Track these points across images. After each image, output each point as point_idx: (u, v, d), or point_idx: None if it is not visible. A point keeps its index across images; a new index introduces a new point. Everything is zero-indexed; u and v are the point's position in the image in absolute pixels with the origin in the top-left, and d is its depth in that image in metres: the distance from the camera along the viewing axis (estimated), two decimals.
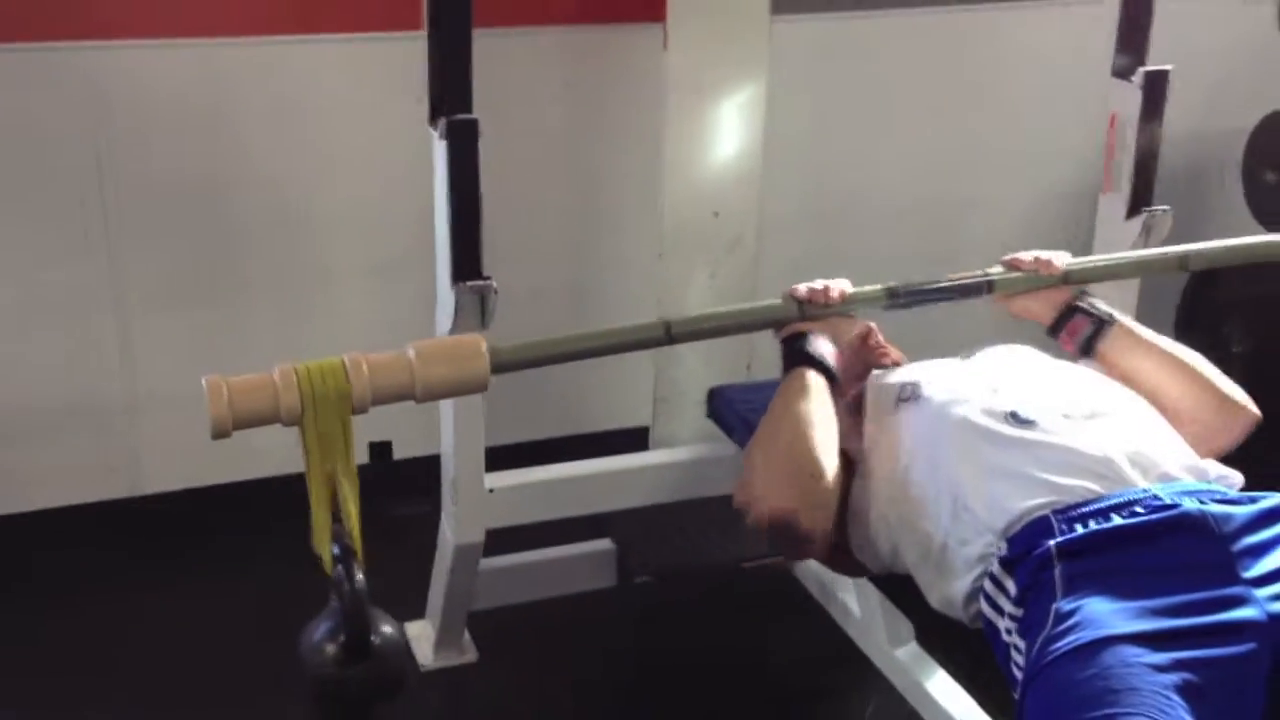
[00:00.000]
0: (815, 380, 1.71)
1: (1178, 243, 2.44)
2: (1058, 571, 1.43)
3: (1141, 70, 2.27)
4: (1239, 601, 1.37)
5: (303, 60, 2.60)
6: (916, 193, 3.12)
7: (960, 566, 1.57)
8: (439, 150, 1.94)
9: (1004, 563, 1.51)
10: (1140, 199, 2.31)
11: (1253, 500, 1.51)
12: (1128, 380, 1.78)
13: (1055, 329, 1.84)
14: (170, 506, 2.75)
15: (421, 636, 2.43)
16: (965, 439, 1.62)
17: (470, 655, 2.41)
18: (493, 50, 2.08)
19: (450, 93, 1.93)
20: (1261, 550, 1.44)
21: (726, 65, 2.50)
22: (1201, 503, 1.48)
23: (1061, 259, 1.84)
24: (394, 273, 2.72)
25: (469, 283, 1.96)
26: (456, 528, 2.15)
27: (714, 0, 2.45)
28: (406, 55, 2.10)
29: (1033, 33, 3.06)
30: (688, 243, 2.57)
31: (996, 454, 1.58)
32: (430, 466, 2.30)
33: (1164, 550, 1.43)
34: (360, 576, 1.46)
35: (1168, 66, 2.28)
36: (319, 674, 1.55)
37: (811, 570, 2.42)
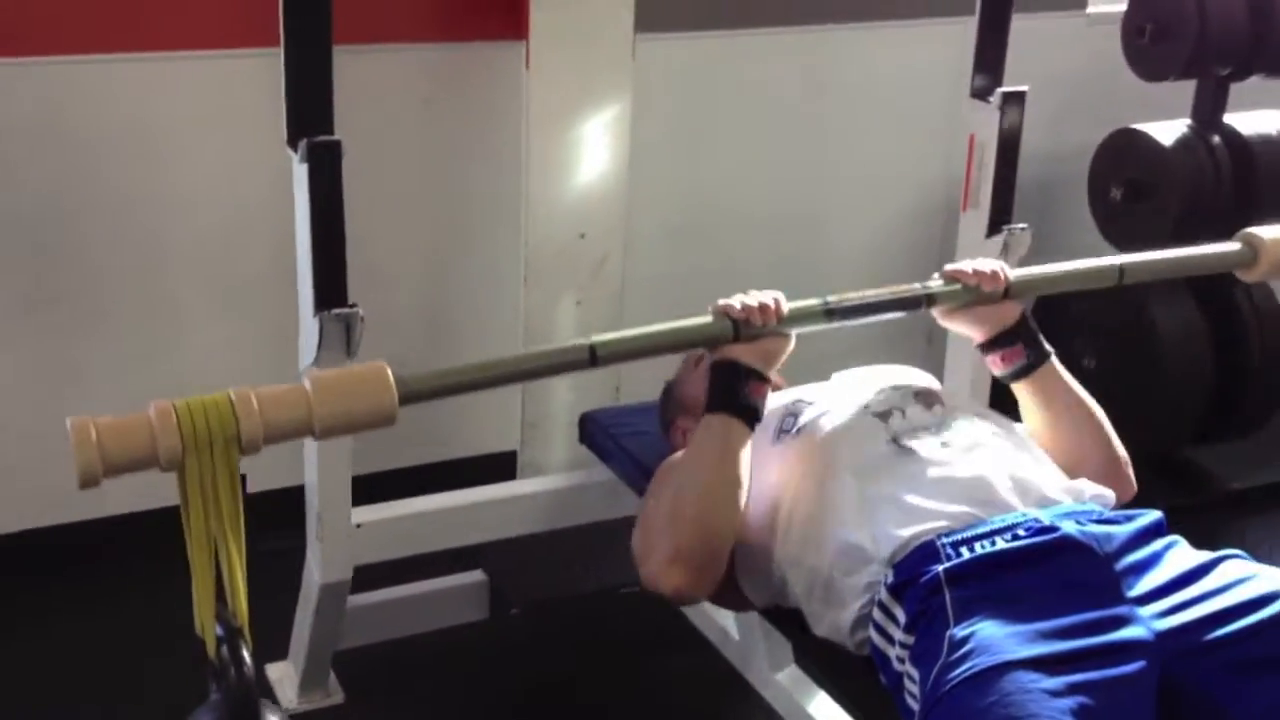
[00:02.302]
0: (739, 435, 1.65)
1: (1035, 262, 2.53)
2: (948, 597, 1.43)
3: (999, 91, 2.31)
4: (1125, 621, 1.40)
5: (153, 79, 2.49)
6: (780, 209, 3.14)
7: (847, 596, 1.57)
8: (299, 173, 1.87)
9: (891, 590, 1.50)
10: (1000, 217, 2.36)
11: (1129, 519, 1.55)
12: (1036, 418, 1.79)
13: (990, 347, 1.79)
14: (9, 547, 2.60)
15: (284, 678, 2.32)
16: (847, 470, 1.62)
17: (337, 696, 2.31)
18: (351, 68, 2.01)
19: (310, 113, 1.86)
20: (1143, 568, 1.47)
21: (590, 85, 2.47)
22: (1080, 524, 1.50)
23: (1004, 271, 1.77)
24: (251, 301, 2.63)
25: (333, 311, 1.89)
26: (322, 565, 2.06)
27: (577, 19, 2.42)
28: (264, 72, 2.01)
29: (893, 51, 3.11)
30: (553, 266, 2.52)
31: (879, 483, 1.59)
32: (289, 498, 2.21)
33: (1050, 573, 1.45)
34: (249, 664, 1.26)
35: (1023, 88, 2.33)
36: None
37: None
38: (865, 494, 1.58)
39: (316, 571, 2.08)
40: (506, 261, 2.64)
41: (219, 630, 1.28)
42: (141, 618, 2.40)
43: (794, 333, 1.69)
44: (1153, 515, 1.56)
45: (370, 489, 2.23)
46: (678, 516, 1.63)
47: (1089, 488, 1.63)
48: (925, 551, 1.50)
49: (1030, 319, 1.80)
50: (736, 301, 1.66)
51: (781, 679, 2.22)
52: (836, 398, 1.77)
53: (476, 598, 2.37)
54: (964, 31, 2.44)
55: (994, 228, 2.35)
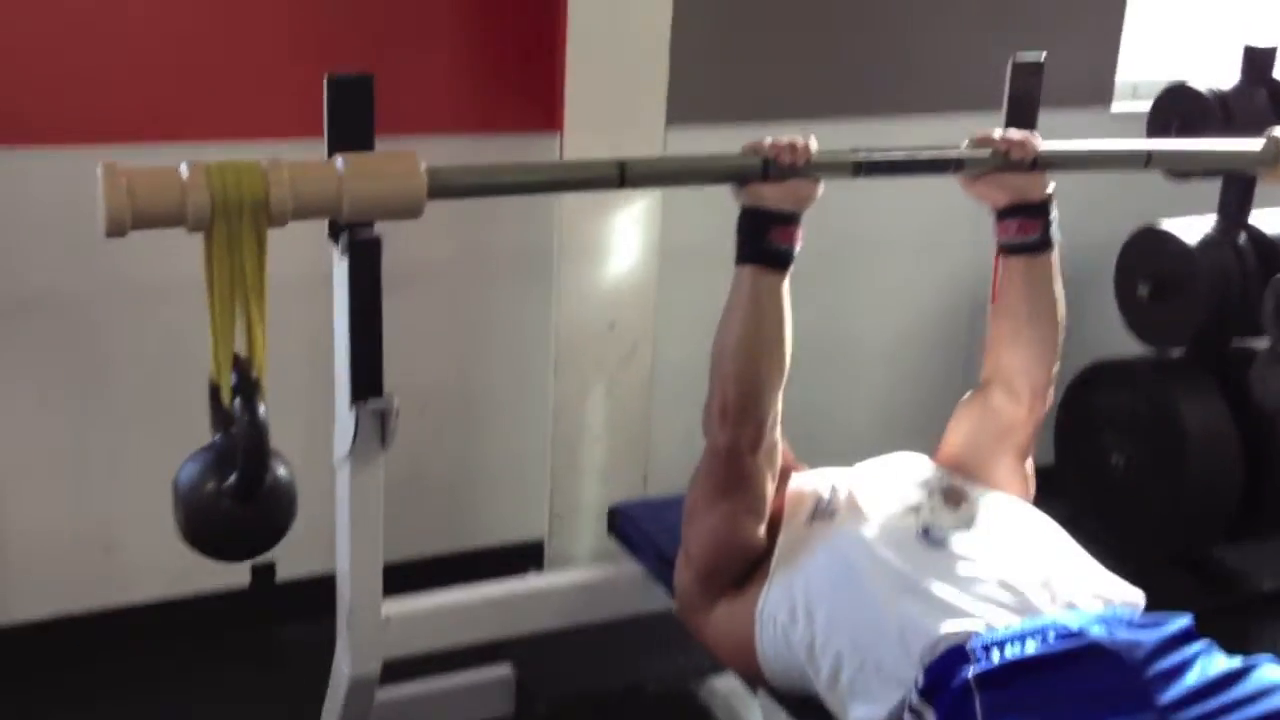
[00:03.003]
0: (770, 284, 1.70)
1: (1062, 359, 2.54)
2: (978, 703, 1.43)
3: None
4: None
5: None
6: (810, 300, 3.13)
7: (875, 692, 1.56)
8: (339, 267, 1.89)
9: (922, 693, 1.50)
10: None
11: (1158, 624, 1.54)
12: (1009, 296, 1.85)
13: (1007, 214, 1.83)
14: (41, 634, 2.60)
15: None
16: (880, 559, 1.62)
17: None
18: None
19: None
20: (1173, 675, 1.47)
21: None
22: (1110, 629, 1.50)
23: (1034, 140, 1.81)
24: (283, 388, 2.63)
25: (369, 402, 1.91)
26: (352, 658, 2.05)
27: (609, 112, 2.46)
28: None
29: (922, 144, 3.13)
30: (583, 356, 2.55)
31: (910, 575, 1.59)
32: (316, 588, 2.21)
33: (1079, 679, 1.45)
34: (263, 409, 1.29)
35: (1051, 185, 2.34)
36: (198, 511, 1.34)
37: (718, 694, 2.37)
38: (896, 588, 1.59)
39: (346, 664, 2.07)
40: (537, 350, 2.67)
41: (234, 379, 1.29)
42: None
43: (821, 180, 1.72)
44: (1182, 620, 1.55)
45: (398, 578, 2.23)
46: (718, 373, 1.72)
47: (1118, 592, 1.62)
48: (956, 654, 1.49)
49: (1051, 197, 1.84)
50: (767, 140, 1.69)
51: None
52: (868, 487, 1.78)
53: (503, 693, 2.36)
54: (995, 124, 2.47)
55: None
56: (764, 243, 1.68)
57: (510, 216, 2.75)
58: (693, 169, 1.72)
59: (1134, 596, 1.63)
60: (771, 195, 1.68)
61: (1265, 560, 3.15)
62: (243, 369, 1.31)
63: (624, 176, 1.63)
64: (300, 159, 1.41)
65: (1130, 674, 1.45)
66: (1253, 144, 1.96)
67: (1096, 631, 1.49)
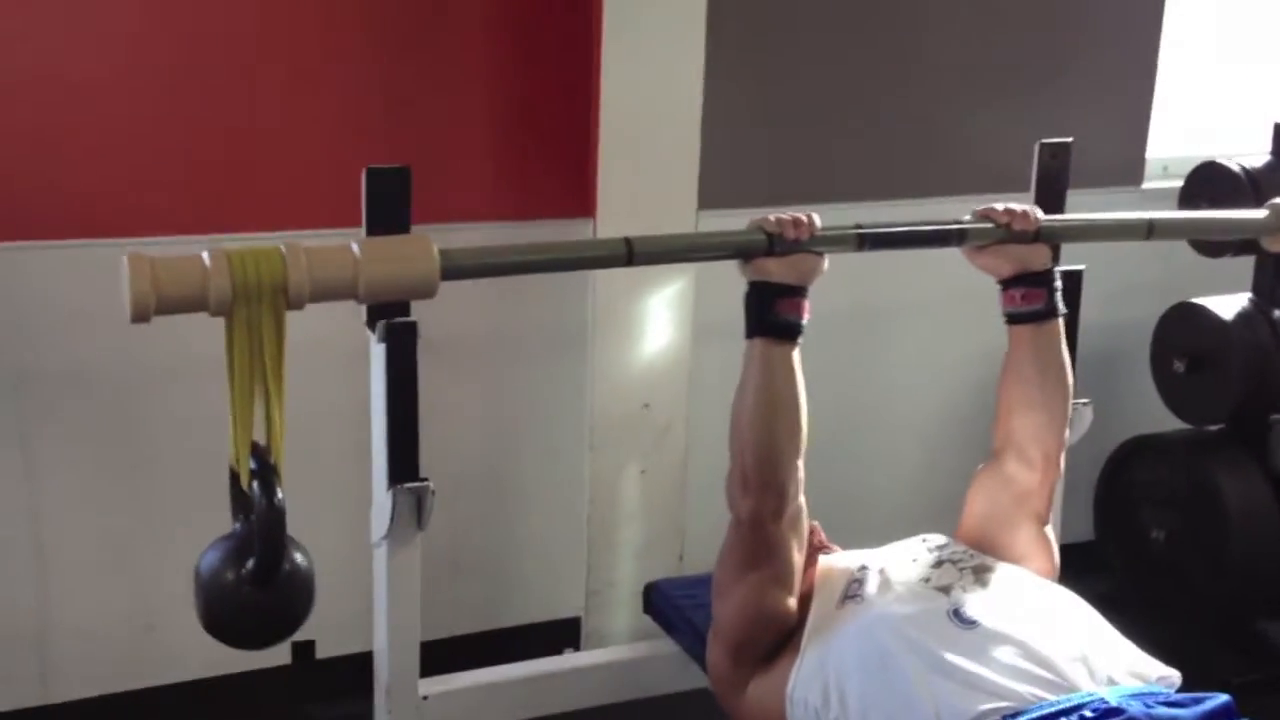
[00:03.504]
0: (780, 355, 1.74)
1: (1092, 442, 2.54)
2: None
3: (1056, 270, 2.35)
4: None
5: None
6: (841, 380, 3.17)
7: None
8: (376, 353, 1.94)
9: None
10: None
11: (1197, 702, 1.54)
12: (1017, 366, 1.88)
13: (1012, 283, 1.87)
14: (83, 714, 2.63)
15: None
16: (912, 639, 1.63)
17: None
18: None
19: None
20: None
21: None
22: (1148, 706, 1.49)
23: (1035, 213, 1.86)
24: (325, 475, 2.68)
25: (406, 485, 1.94)
26: None
27: (642, 197, 2.51)
28: None
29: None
30: (617, 435, 2.58)
31: (942, 653, 1.59)
32: (355, 665, 2.23)
33: None
34: (280, 494, 1.31)
35: (1081, 266, 2.37)
36: (217, 598, 1.36)
37: None
38: (929, 668, 1.59)
39: None
40: (572, 429, 2.70)
41: (253, 464, 1.31)
42: None
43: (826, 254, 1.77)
44: (1221, 698, 1.54)
45: (436, 656, 2.25)
46: (736, 444, 1.75)
47: (1154, 669, 1.62)
48: None
49: (1054, 262, 1.89)
50: (772, 217, 1.74)
51: None
52: (897, 568, 1.79)
53: None
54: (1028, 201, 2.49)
55: None
56: (771, 315, 1.73)
57: (544, 297, 2.80)
58: (699, 245, 1.78)
59: (1170, 674, 1.63)
60: (777, 269, 1.74)
61: None
62: (261, 454, 1.33)
63: (631, 254, 1.69)
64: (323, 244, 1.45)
65: None
66: (1256, 213, 1.97)
67: (1134, 708, 1.48)
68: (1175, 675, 1.63)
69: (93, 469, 2.60)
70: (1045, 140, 2.38)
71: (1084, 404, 2.37)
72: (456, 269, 1.51)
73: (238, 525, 1.35)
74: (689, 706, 2.22)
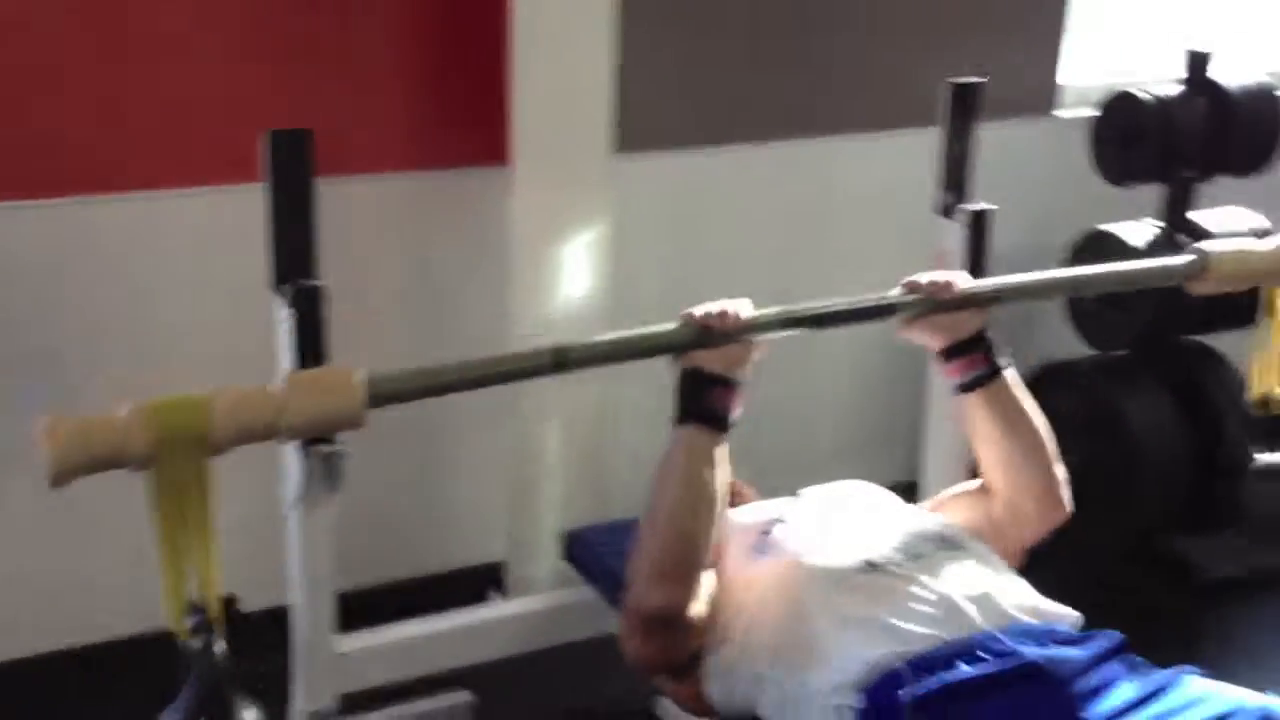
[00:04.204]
0: (706, 443, 1.70)
1: (1015, 361, 2.58)
2: None
3: (964, 208, 2.38)
4: None
5: (136, 217, 2.55)
6: (775, 301, 3.19)
7: (816, 716, 1.60)
8: (282, 316, 1.93)
9: (861, 716, 1.54)
10: None
11: (1090, 639, 1.59)
12: (983, 434, 1.84)
13: (949, 355, 1.85)
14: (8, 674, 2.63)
15: None
16: (818, 589, 1.67)
17: None
18: (332, 199, 2.07)
19: (294, 258, 1.92)
20: (1100, 692, 1.52)
21: (572, 207, 2.54)
22: (1042, 646, 1.55)
23: (961, 281, 1.85)
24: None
25: (319, 448, 1.94)
26: (307, 694, 2.09)
27: (557, 143, 2.49)
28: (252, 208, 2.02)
29: (872, 162, 3.18)
30: (539, 384, 2.56)
31: (847, 603, 1.63)
32: (277, 619, 2.23)
33: (1011, 700, 1.50)
34: (221, 650, 1.31)
35: (992, 206, 2.40)
36: None
37: (671, 713, 2.41)
38: (834, 614, 1.63)
39: (301, 700, 2.11)
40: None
41: (190, 621, 1.29)
42: None
43: (760, 339, 1.75)
44: (1112, 636, 1.60)
45: (360, 604, 2.26)
46: (653, 532, 1.69)
47: (1050, 606, 1.67)
48: (892, 678, 1.54)
49: (989, 331, 1.85)
50: (700, 309, 1.71)
51: None
52: (809, 516, 1.82)
53: (463, 718, 2.39)
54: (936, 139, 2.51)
55: None
56: (704, 403, 1.70)
57: (463, 245, 2.79)
58: (630, 346, 1.73)
59: (1067, 613, 1.68)
60: (707, 359, 1.71)
61: (1214, 551, 3.20)
62: (198, 610, 1.30)
63: (560, 362, 1.65)
64: (242, 386, 1.39)
65: (1059, 691, 1.49)
66: (1180, 259, 1.98)
67: (1029, 651, 1.53)
68: (1072, 614, 1.68)
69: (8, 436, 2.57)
70: (954, 80, 2.40)
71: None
72: (383, 396, 1.48)
73: (185, 687, 1.33)
74: (607, 651, 2.25)
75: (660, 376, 3.04)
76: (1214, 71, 3.00)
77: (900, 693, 1.50)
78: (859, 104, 3.13)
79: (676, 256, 3.06)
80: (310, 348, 1.92)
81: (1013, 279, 1.91)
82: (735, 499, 1.96)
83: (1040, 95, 3.39)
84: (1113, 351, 3.11)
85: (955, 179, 2.42)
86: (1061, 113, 3.41)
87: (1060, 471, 1.85)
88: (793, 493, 1.96)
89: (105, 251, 2.54)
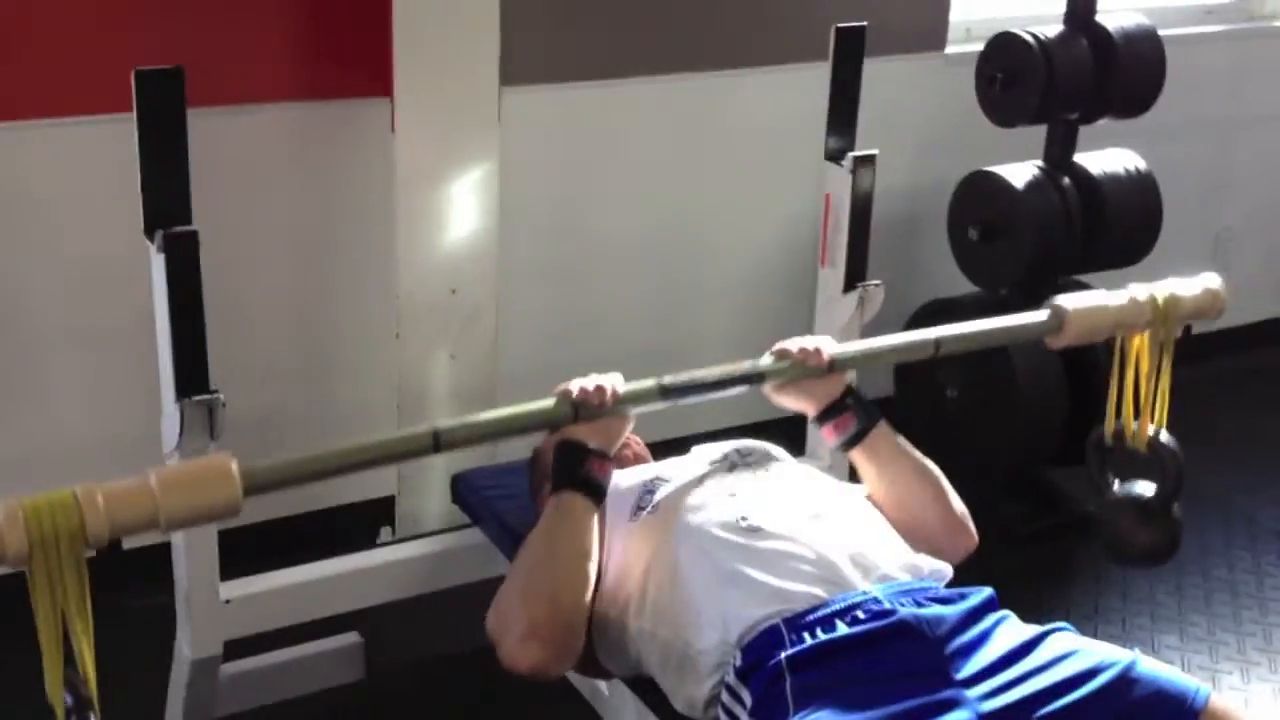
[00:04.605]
0: (584, 510, 1.73)
1: (894, 303, 2.63)
2: (789, 685, 1.51)
3: (851, 155, 2.39)
4: (952, 705, 1.48)
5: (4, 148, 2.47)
6: (653, 255, 3.20)
7: (701, 672, 1.64)
8: (156, 263, 1.87)
9: (739, 673, 1.58)
10: (855, 274, 2.44)
11: (963, 597, 1.64)
12: (876, 482, 1.89)
13: (822, 419, 1.89)
14: None
15: None
16: (699, 549, 1.69)
17: None
18: (210, 130, 2.02)
19: (167, 203, 1.86)
20: (971, 649, 1.56)
21: (457, 141, 2.50)
22: (918, 604, 1.59)
23: (828, 346, 1.88)
24: (115, 353, 2.60)
25: (195, 398, 1.90)
26: (192, 642, 2.08)
27: (441, 75, 2.44)
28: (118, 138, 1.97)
29: (760, 96, 3.17)
30: (426, 322, 2.55)
31: (728, 562, 1.66)
32: (161, 555, 2.20)
33: (885, 658, 1.53)
34: None
35: (873, 151, 2.41)
36: None
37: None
38: (716, 573, 1.65)
39: (186, 647, 2.09)
40: (380, 317, 2.67)
41: (68, 700, 1.35)
42: None
43: (632, 412, 1.77)
44: (984, 593, 1.65)
45: (246, 542, 2.22)
46: (530, 594, 1.68)
47: (927, 563, 1.72)
48: (770, 636, 1.57)
49: (856, 389, 1.90)
50: (575, 385, 1.74)
51: None
52: (691, 475, 1.84)
53: (352, 659, 2.39)
54: (825, 75, 2.50)
55: (850, 284, 2.43)
56: (581, 472, 1.72)
57: (350, 184, 2.73)
58: (506, 425, 1.74)
59: (940, 567, 1.73)
60: (584, 433, 1.74)
61: (1086, 483, 3.29)
62: (75, 690, 1.35)
63: (438, 443, 1.64)
64: (116, 483, 1.39)
65: (932, 649, 1.54)
66: (1037, 316, 2.02)
67: (904, 611, 1.57)
68: (947, 569, 1.73)
69: None
70: (840, 25, 2.40)
71: (875, 285, 2.44)
72: (260, 485, 1.47)
73: None
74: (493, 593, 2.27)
75: (549, 300, 3.06)
76: (1097, 13, 3.03)
77: (778, 651, 1.54)
78: (751, 38, 3.11)
79: (564, 193, 3.04)
80: (185, 296, 1.87)
81: (880, 343, 1.98)
82: (629, 460, 1.97)
83: (932, 32, 3.39)
84: (996, 290, 3.17)
85: (843, 124, 2.42)
86: (953, 49, 3.43)
87: (958, 505, 1.89)
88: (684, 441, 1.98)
89: None
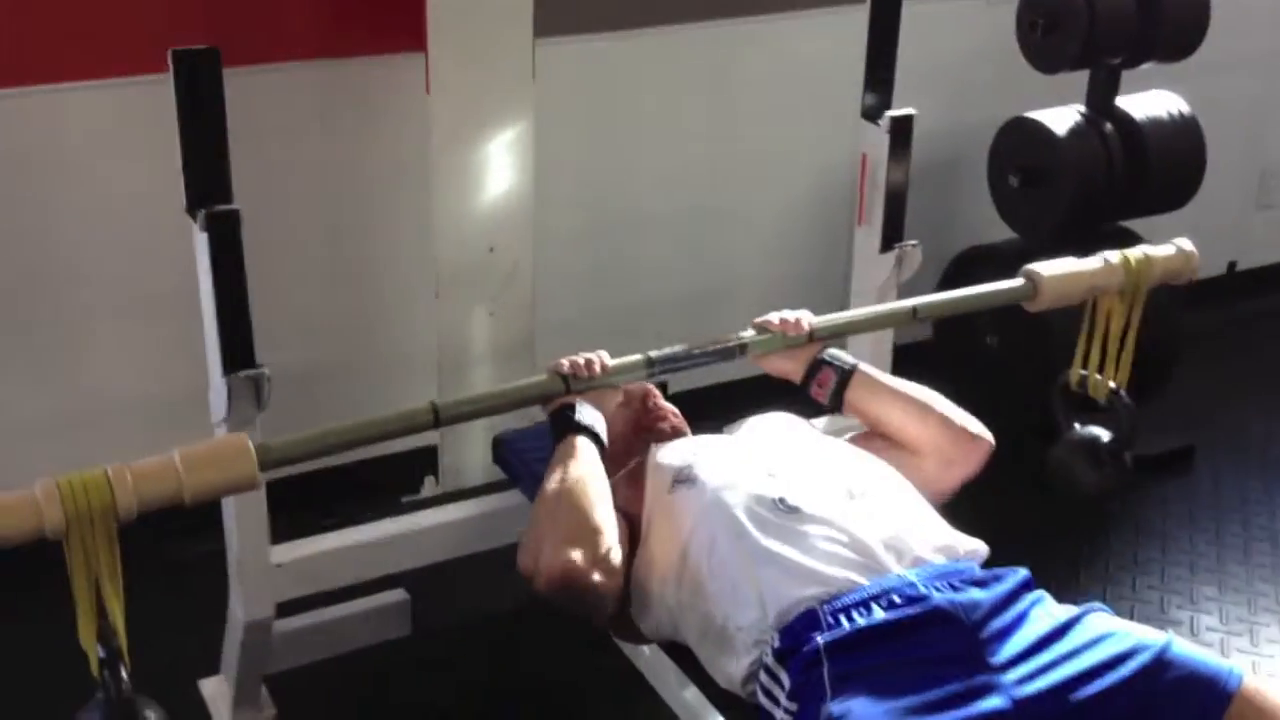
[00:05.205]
0: (585, 445, 1.82)
1: (933, 250, 2.62)
2: (826, 670, 1.53)
3: (888, 115, 2.37)
4: (987, 690, 1.49)
5: (42, 112, 2.48)
6: (690, 205, 3.19)
7: (739, 648, 1.66)
8: (200, 241, 1.89)
9: (778, 655, 1.60)
10: (892, 234, 2.43)
11: (998, 578, 1.65)
12: (875, 423, 1.96)
13: (806, 383, 1.99)
14: None
15: (218, 695, 2.41)
16: (738, 526, 1.70)
17: (269, 711, 2.40)
18: (248, 89, 2.03)
19: (209, 183, 1.88)
20: (1006, 633, 1.57)
21: (492, 100, 2.48)
22: (954, 588, 1.60)
23: (806, 318, 1.98)
24: (164, 315, 2.64)
25: (241, 373, 1.93)
26: (245, 605, 2.13)
27: (475, 28, 2.41)
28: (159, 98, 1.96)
29: (796, 41, 3.13)
30: (464, 280, 2.56)
31: (766, 541, 1.67)
32: (214, 504, 2.25)
33: (921, 644, 1.55)
34: (125, 678, 1.50)
35: (911, 110, 2.38)
36: None
37: None
38: (753, 551, 1.67)
39: (239, 610, 2.15)
40: (419, 275, 2.68)
41: (101, 652, 1.49)
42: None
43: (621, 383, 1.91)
44: (1019, 574, 1.66)
45: (292, 496, 2.29)
46: (552, 514, 1.74)
47: (963, 543, 1.73)
48: (808, 619, 1.59)
49: (828, 347, 2.00)
50: (565, 361, 1.88)
51: (688, 696, 2.34)
52: (730, 450, 1.86)
53: (399, 616, 2.45)
54: (862, 19, 2.47)
55: (886, 245, 2.43)
56: (574, 421, 1.83)
57: (385, 144, 2.74)
58: (502, 399, 1.90)
59: (976, 546, 1.74)
60: (575, 399, 1.87)
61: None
62: (107, 642, 1.49)
63: (438, 418, 1.78)
64: (144, 462, 1.51)
65: (967, 635, 1.55)
66: (1013, 283, 2.12)
67: (938, 596, 1.58)
68: (982, 548, 1.74)
69: None
70: None
71: (913, 245, 2.43)
72: (274, 461, 1.63)
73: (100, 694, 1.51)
74: None
75: (585, 253, 3.06)
76: None
77: (815, 635, 1.56)
78: None
79: (597, 145, 3.03)
80: (228, 274, 1.90)
81: (859, 314, 2.10)
82: (668, 434, 1.99)
83: None
84: (1037, 237, 3.14)
85: (880, 82, 2.40)
86: None
87: (959, 415, 1.93)
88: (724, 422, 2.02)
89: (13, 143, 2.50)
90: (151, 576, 2.33)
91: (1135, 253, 2.11)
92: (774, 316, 1.99)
